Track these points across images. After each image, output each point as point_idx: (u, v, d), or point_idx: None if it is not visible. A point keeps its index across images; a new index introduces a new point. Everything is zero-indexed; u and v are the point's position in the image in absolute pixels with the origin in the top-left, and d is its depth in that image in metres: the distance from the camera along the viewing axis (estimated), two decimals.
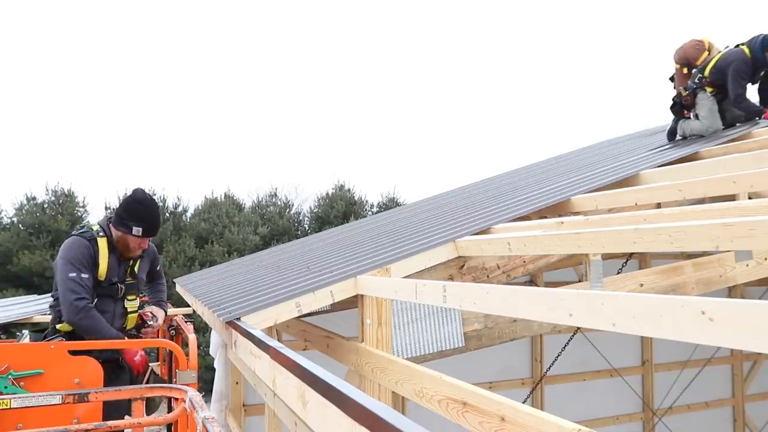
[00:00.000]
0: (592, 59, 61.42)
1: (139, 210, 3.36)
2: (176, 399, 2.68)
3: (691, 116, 5.57)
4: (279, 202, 22.90)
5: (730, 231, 1.92)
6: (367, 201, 23.22)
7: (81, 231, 3.40)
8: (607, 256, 3.59)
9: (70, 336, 3.19)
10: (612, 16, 64.27)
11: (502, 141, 51.98)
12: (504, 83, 60.19)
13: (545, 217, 3.92)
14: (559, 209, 4.04)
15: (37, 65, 40.25)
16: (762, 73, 5.26)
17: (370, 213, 21.88)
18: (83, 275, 3.15)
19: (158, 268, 3.87)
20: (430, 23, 58.46)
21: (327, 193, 22.86)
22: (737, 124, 5.38)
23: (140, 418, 2.62)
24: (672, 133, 5.80)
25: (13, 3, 39.08)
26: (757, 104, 5.25)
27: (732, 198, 3.40)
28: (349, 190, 22.95)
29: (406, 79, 55.26)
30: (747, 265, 3.63)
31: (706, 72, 5.40)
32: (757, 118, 5.22)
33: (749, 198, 3.37)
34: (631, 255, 4.40)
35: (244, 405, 5.77)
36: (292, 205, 23.27)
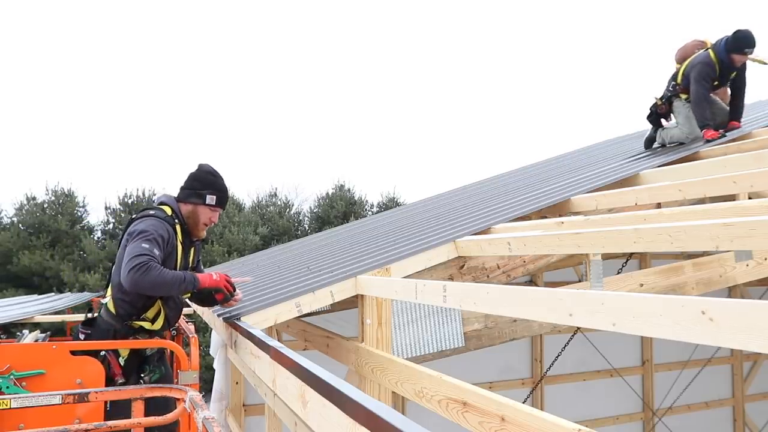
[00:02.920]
0: (592, 59, 61.46)
1: (210, 179, 3.25)
2: (176, 399, 2.68)
3: (670, 123, 5.48)
4: (279, 202, 22.91)
5: (730, 231, 1.92)
6: (367, 201, 23.24)
7: (159, 214, 3.10)
8: (607, 256, 3.59)
9: (150, 333, 3.05)
10: (612, 16, 64.30)
11: (502, 141, 52.00)
12: (503, 83, 60.22)
13: (545, 217, 3.92)
14: (559, 209, 4.05)
15: (37, 65, 40.29)
16: (734, 74, 5.05)
17: (370, 213, 21.89)
18: (156, 251, 2.89)
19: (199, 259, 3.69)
20: (430, 23, 58.50)
21: (327, 193, 22.88)
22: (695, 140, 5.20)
23: (140, 418, 2.62)
24: (650, 141, 5.69)
25: (13, 3, 39.10)
26: (708, 119, 4.95)
27: (732, 198, 3.41)
28: (349, 190, 22.96)
29: (405, 79, 55.29)
30: (747, 265, 3.63)
31: (679, 79, 5.31)
32: (699, 132, 4.98)
33: (749, 198, 3.37)
34: (631, 255, 4.40)
35: (244, 405, 5.77)
36: (292, 205, 23.29)
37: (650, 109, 5.57)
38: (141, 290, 2.84)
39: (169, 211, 3.17)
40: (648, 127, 5.78)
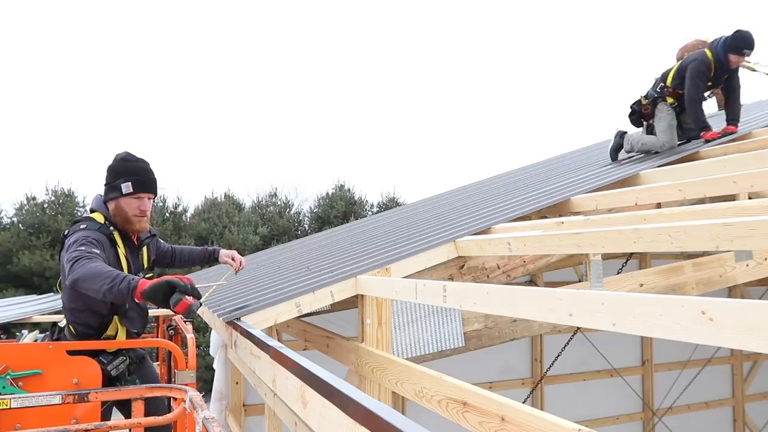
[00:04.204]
0: (591, 59, 61.48)
1: (123, 166, 2.91)
2: (176, 399, 2.68)
3: (643, 129, 5.22)
4: (279, 202, 22.90)
5: (730, 231, 1.92)
6: (367, 201, 23.23)
7: (90, 225, 2.84)
8: (607, 256, 3.59)
9: (114, 353, 2.90)
10: (611, 16, 64.31)
11: (502, 141, 52.00)
12: (503, 83, 60.22)
13: (545, 217, 3.92)
14: (559, 209, 4.05)
15: (36, 65, 40.29)
16: (726, 76, 4.91)
17: (370, 213, 21.89)
18: (95, 250, 2.65)
19: (165, 247, 3.41)
20: (430, 24, 58.51)
21: (327, 193, 22.87)
22: (693, 140, 5.06)
23: (140, 418, 2.62)
24: (616, 150, 5.37)
25: (13, 3, 39.10)
26: (704, 120, 4.85)
27: (732, 198, 3.40)
28: (349, 190, 22.95)
29: (405, 79, 55.30)
30: (747, 265, 3.63)
31: (668, 80, 5.04)
32: (700, 134, 4.86)
33: (749, 198, 3.37)
34: (631, 255, 4.40)
35: (244, 405, 5.77)
36: (292, 205, 23.27)
37: (632, 107, 5.27)
38: (81, 286, 2.49)
39: (101, 218, 2.93)
40: (616, 131, 5.47)
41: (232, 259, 3.34)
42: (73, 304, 2.90)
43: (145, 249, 3.12)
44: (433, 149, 48.97)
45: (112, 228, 2.91)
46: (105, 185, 2.96)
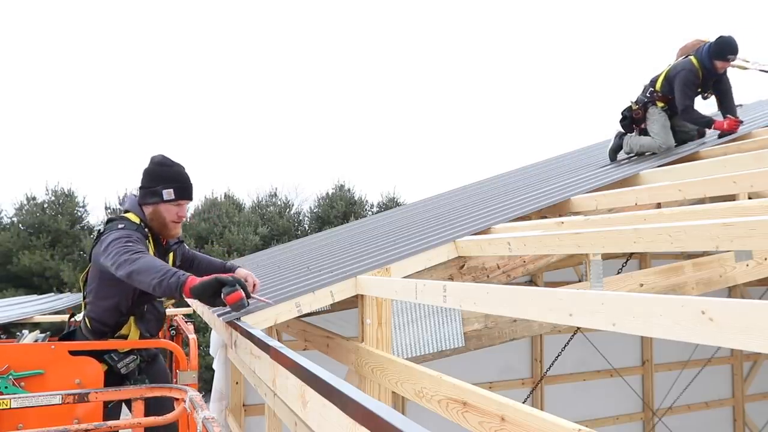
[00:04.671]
0: (591, 59, 61.47)
1: (163, 171, 2.89)
2: (176, 399, 2.68)
3: (636, 132, 5.26)
4: (279, 202, 22.90)
5: (730, 231, 1.92)
6: (367, 201, 23.22)
7: (129, 225, 2.81)
8: (607, 256, 3.59)
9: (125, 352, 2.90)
10: (611, 17, 64.31)
11: (502, 141, 51.99)
12: (503, 84, 60.22)
13: (545, 217, 3.92)
14: (559, 209, 4.05)
15: (36, 65, 40.28)
16: (714, 80, 4.93)
17: (370, 213, 21.88)
18: (140, 246, 2.67)
19: (189, 253, 3.38)
20: (430, 24, 58.50)
21: (327, 193, 22.86)
22: (689, 142, 5.10)
23: (140, 418, 2.62)
24: (615, 151, 5.44)
25: (13, 3, 39.10)
26: (706, 115, 4.92)
27: (732, 198, 3.40)
28: (349, 190, 22.95)
29: (405, 79, 55.29)
30: (747, 265, 3.63)
31: (658, 85, 5.09)
32: (707, 130, 4.94)
33: (749, 198, 3.37)
34: (631, 255, 4.40)
35: (244, 405, 5.77)
36: (292, 205, 23.26)
37: (623, 113, 5.32)
38: (136, 279, 2.50)
39: (136, 219, 2.91)
40: (616, 131, 5.49)
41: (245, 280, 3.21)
42: (99, 301, 2.90)
43: (171, 256, 3.11)
44: (433, 149, 48.96)
45: (147, 230, 2.91)
46: (142, 188, 2.93)
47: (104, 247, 2.69)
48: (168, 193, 2.86)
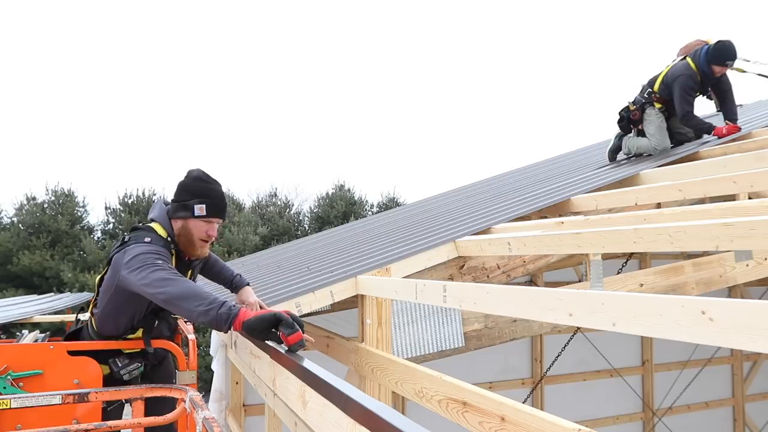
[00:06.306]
0: (591, 59, 61.47)
1: (199, 186, 2.78)
2: (176, 399, 2.68)
3: (634, 133, 5.27)
4: (279, 202, 22.92)
5: (730, 231, 1.92)
6: (367, 201, 23.25)
7: (155, 240, 2.70)
8: (607, 256, 3.59)
9: (130, 356, 2.86)
10: (610, 17, 64.30)
11: (502, 141, 52.01)
12: (503, 84, 60.22)
13: (545, 217, 3.92)
14: (559, 209, 4.05)
15: (36, 65, 40.27)
16: (713, 82, 4.93)
17: (370, 213, 21.90)
18: (171, 266, 2.57)
19: (213, 258, 3.26)
20: (430, 24, 58.49)
21: (327, 193, 22.89)
22: (685, 144, 5.10)
23: (140, 418, 2.62)
24: (614, 152, 5.46)
25: (13, 3, 39.09)
26: (706, 120, 4.94)
27: (732, 198, 3.40)
28: (349, 190, 22.97)
29: (405, 79, 55.30)
30: (747, 265, 3.63)
31: (656, 87, 5.08)
32: (705, 135, 4.94)
33: (749, 198, 3.37)
34: (631, 255, 4.40)
35: (244, 405, 5.76)
36: (292, 205, 23.29)
37: (621, 114, 5.33)
38: (174, 303, 2.39)
39: (163, 232, 2.79)
40: (615, 132, 5.53)
41: (244, 302, 3.09)
42: (110, 308, 2.82)
43: (189, 273, 2.98)
44: (433, 149, 49.01)
45: (172, 244, 2.81)
46: (174, 202, 2.82)
47: (129, 258, 2.58)
48: (200, 209, 2.75)
